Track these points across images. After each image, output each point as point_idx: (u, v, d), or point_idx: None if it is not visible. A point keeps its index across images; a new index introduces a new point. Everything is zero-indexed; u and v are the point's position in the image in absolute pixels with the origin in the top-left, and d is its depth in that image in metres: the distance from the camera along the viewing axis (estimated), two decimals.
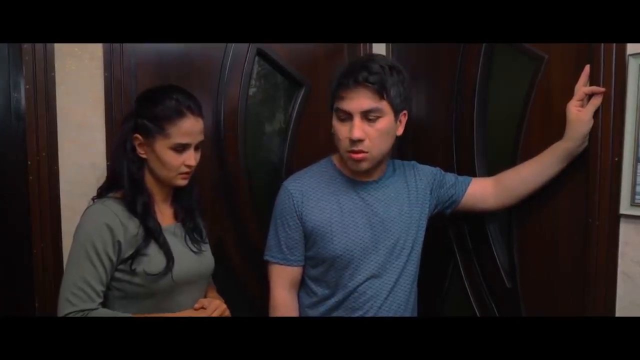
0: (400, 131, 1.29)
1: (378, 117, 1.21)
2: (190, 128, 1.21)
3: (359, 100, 1.20)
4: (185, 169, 1.23)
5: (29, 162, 1.42)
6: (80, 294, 1.12)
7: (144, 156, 1.24)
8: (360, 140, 1.21)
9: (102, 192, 1.26)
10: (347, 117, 1.23)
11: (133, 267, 1.17)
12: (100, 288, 1.15)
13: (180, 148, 1.21)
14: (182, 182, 1.25)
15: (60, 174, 1.46)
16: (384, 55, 1.37)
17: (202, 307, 1.24)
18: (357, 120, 1.21)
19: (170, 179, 1.24)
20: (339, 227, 1.28)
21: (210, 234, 1.41)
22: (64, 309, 1.12)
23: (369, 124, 1.22)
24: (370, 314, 1.29)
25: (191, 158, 1.22)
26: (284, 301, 1.35)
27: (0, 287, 1.44)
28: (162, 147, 1.20)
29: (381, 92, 1.20)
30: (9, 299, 1.45)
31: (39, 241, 1.44)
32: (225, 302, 1.41)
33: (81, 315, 1.11)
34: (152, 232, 1.20)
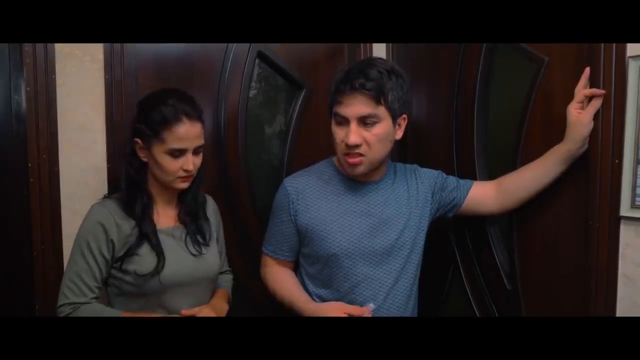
0: (399, 135, 1.29)
1: (375, 123, 1.22)
2: (185, 133, 1.20)
3: (356, 106, 1.21)
4: (183, 173, 1.23)
5: (30, 164, 1.42)
6: (73, 288, 1.19)
7: (144, 159, 1.25)
8: (356, 145, 1.22)
9: (108, 193, 1.30)
10: (344, 121, 1.23)
11: (124, 267, 1.20)
12: (93, 284, 1.20)
13: (177, 153, 1.21)
14: (182, 186, 1.26)
15: (60, 175, 1.45)
16: (383, 59, 1.36)
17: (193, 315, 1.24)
18: (353, 125, 1.21)
19: (169, 183, 1.25)
20: (335, 226, 1.29)
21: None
22: (59, 301, 1.20)
23: (366, 129, 1.22)
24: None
25: (189, 163, 1.22)
26: (277, 267, 1.40)
27: (1, 289, 1.44)
28: (158, 152, 1.21)
29: (378, 98, 1.20)
30: (9, 301, 1.45)
31: (39, 243, 1.44)
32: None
33: (71, 308, 1.18)
34: (146, 233, 1.22)
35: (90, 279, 1.19)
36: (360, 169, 1.26)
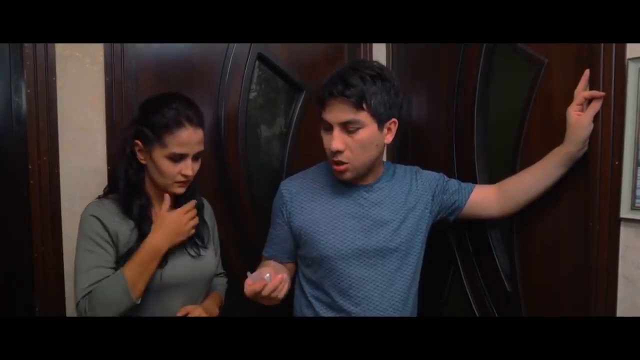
0: (388, 139, 1.28)
1: (358, 128, 1.21)
2: (187, 138, 1.21)
3: (337, 113, 1.21)
4: (182, 178, 1.24)
5: (30, 166, 1.43)
6: (89, 277, 1.16)
7: (143, 162, 1.25)
8: (339, 152, 1.22)
9: (104, 195, 1.29)
10: (329, 127, 1.24)
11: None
12: (109, 265, 1.18)
13: (177, 158, 1.22)
14: (178, 190, 1.26)
15: (61, 177, 1.46)
16: (373, 61, 1.34)
17: (187, 314, 1.24)
18: (336, 131, 1.22)
19: (166, 187, 1.25)
20: (328, 228, 1.29)
21: None
22: (77, 296, 1.16)
23: (349, 135, 1.22)
24: (365, 315, 1.29)
25: (188, 168, 1.23)
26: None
27: (1, 289, 1.45)
28: (159, 155, 1.21)
29: (359, 103, 1.19)
30: (9, 301, 1.45)
31: (40, 244, 1.44)
32: (225, 305, 1.42)
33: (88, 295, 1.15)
34: (146, 234, 1.22)
35: (101, 262, 1.17)
36: (347, 175, 1.27)
